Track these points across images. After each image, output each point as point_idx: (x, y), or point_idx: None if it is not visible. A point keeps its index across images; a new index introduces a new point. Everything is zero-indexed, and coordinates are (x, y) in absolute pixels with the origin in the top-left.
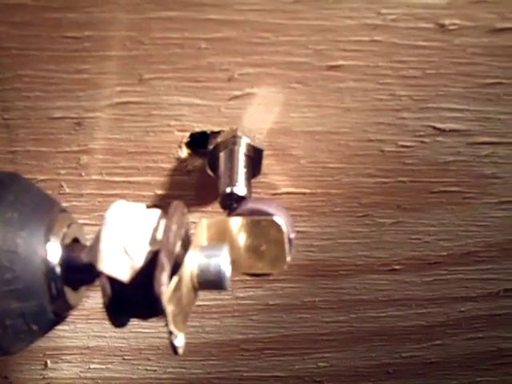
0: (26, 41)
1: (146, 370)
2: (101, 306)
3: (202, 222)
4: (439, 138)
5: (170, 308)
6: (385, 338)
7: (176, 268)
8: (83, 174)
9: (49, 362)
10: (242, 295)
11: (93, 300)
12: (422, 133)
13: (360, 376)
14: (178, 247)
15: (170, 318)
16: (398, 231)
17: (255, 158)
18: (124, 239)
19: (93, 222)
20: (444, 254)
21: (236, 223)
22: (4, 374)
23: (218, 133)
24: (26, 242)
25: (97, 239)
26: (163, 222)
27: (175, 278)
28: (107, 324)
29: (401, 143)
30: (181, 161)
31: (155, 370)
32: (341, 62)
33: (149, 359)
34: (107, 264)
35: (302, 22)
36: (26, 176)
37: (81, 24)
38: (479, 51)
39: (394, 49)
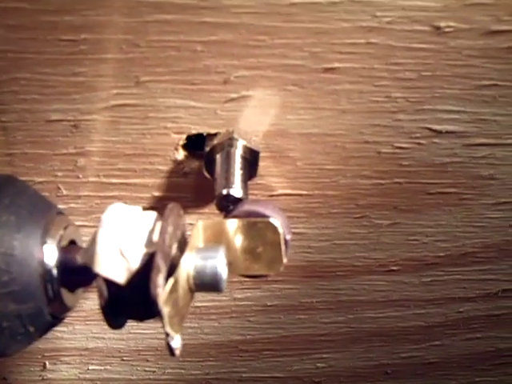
0: (23, 44)
1: (145, 370)
2: (99, 307)
3: (199, 224)
4: (435, 140)
5: (166, 310)
6: (383, 339)
7: (172, 270)
8: (80, 176)
9: (47, 363)
10: (239, 296)
11: (91, 301)
12: (418, 134)
13: (359, 376)
14: (174, 249)
15: (166, 319)
16: (395, 232)
17: (252, 159)
18: (120, 241)
19: (90, 224)
20: (442, 254)
21: (232, 225)
22: (3, 376)
23: (215, 135)
24: (22, 244)
25: (93, 241)
26: (159, 224)
27: (171, 280)
28: (106, 325)
29: (397, 145)
30: (177, 163)
31: (154, 371)
32: (336, 65)
33: (148, 360)
34: (103, 266)
35: (297, 25)
36: (23, 178)
37: (77, 27)
38: (474, 53)
39: (390, 51)
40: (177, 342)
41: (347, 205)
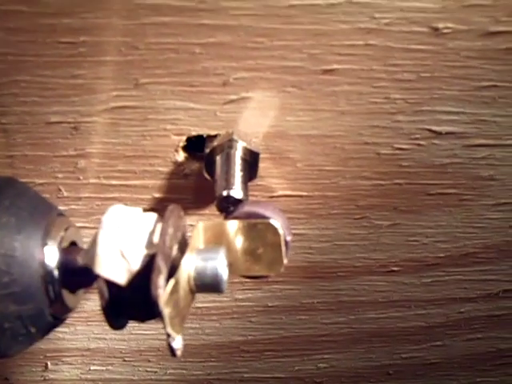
0: (22, 46)
1: (147, 371)
2: (100, 308)
3: (199, 225)
4: (435, 141)
5: (166, 311)
6: (384, 339)
7: (173, 271)
8: (81, 177)
9: (49, 363)
10: (241, 297)
11: (93, 302)
12: (417, 135)
13: (360, 377)
14: (174, 250)
15: (167, 320)
16: (395, 233)
17: (251, 161)
18: (121, 243)
19: (91, 226)
20: (442, 255)
21: (233, 226)
22: (4, 376)
23: (215, 136)
24: (23, 245)
25: (94, 242)
26: (160, 226)
27: (172, 281)
28: (107, 326)
29: (397, 146)
30: (178, 164)
31: (156, 372)
32: (335, 66)
33: (149, 361)
34: (104, 267)
35: (296, 27)
36: (23, 180)
37: (76, 29)
38: (473, 54)
39: (389, 52)
40: (178, 343)
41: (347, 206)
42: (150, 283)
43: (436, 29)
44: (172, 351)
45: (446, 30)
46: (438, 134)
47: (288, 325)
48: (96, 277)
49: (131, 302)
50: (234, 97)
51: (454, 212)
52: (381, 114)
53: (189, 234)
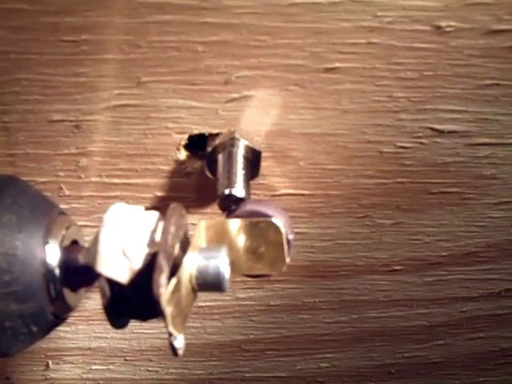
0: (24, 45)
1: (148, 370)
2: (101, 307)
3: (201, 224)
4: (437, 139)
5: (168, 309)
6: (386, 339)
7: (175, 270)
8: (82, 176)
9: (50, 362)
10: (242, 296)
11: (94, 301)
12: (420, 134)
13: (362, 376)
14: (176, 249)
15: (169, 319)
16: (397, 232)
17: (253, 159)
18: (122, 241)
19: (93, 224)
20: (444, 254)
21: (235, 225)
22: (6, 375)
23: (217, 135)
24: (24, 244)
25: (95, 241)
26: (161, 224)
27: (174, 280)
28: (108, 325)
29: (399, 144)
30: (179, 163)
31: (157, 371)
32: (338, 65)
33: (151, 360)
34: (106, 266)
35: (298, 25)
36: (25, 179)
37: (78, 28)
38: (476, 53)
39: (391, 51)
40: (180, 342)
41: (349, 204)
42: (151, 282)
43: (439, 27)
44: (174, 350)
45: (448, 29)
46: (441, 132)
47: (290, 324)
48: (97, 275)
49: (133, 301)
50: (236, 95)
51: (456, 211)
52: (383, 113)
53: (191, 232)
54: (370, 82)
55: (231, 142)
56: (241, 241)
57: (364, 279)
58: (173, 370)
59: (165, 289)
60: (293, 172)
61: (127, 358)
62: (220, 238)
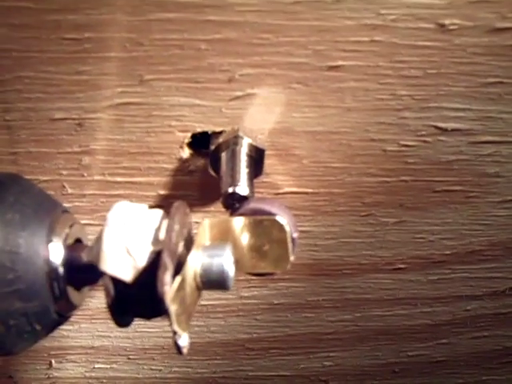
0: (26, 43)
1: (151, 369)
2: (105, 305)
3: (205, 222)
4: (441, 138)
5: (173, 308)
6: (390, 337)
7: (179, 268)
8: (85, 174)
9: (53, 361)
10: (246, 294)
11: (97, 300)
12: (423, 132)
13: (366, 375)
14: (180, 247)
15: (173, 317)
16: (401, 230)
17: (257, 158)
18: (126, 239)
19: (96, 223)
20: (448, 252)
21: (238, 223)
22: (9, 374)
23: (220, 133)
24: (27, 242)
25: (99, 239)
26: (165, 222)
27: (178, 278)
28: (112, 324)
29: (403, 143)
30: (183, 161)
31: (160, 370)
32: (341, 63)
33: (154, 359)
34: (110, 264)
35: (301, 23)
36: (27, 177)
37: (80, 26)
38: (479, 51)
39: (395, 49)
40: (184, 340)
41: (353, 203)
42: (156, 280)
43: (442, 25)
44: (178, 349)
45: (452, 27)
46: (444, 130)
47: (293, 322)
48: (101, 274)
49: (137, 299)
50: (239, 93)
51: (459, 209)
52: (387, 111)
53: (194, 230)
54: (373, 80)
55: (235, 140)
56: (245, 239)
57: (368, 278)
58: (176, 369)
59: (169, 287)
60: (296, 170)
61: (130, 356)
62: (224, 236)
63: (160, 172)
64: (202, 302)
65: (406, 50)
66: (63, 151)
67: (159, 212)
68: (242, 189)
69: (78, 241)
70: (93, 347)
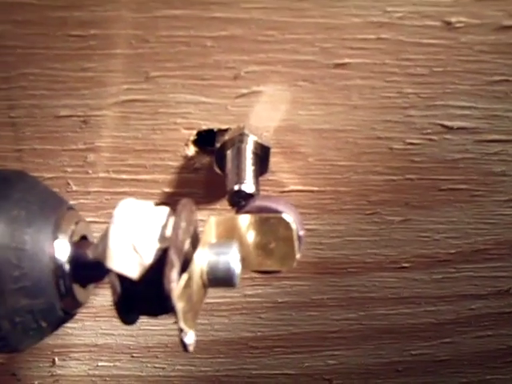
0: (31, 39)
1: (155, 367)
2: (109, 303)
3: (211, 220)
4: (447, 136)
5: (180, 305)
6: (394, 336)
7: (185, 265)
8: (90, 171)
9: (57, 359)
10: (250, 293)
11: (101, 298)
12: (429, 130)
13: (369, 374)
14: (186, 244)
15: (180, 314)
16: (406, 229)
17: (262, 155)
18: (133, 236)
19: (100, 220)
20: (453, 251)
21: (245, 221)
22: (12, 371)
23: (225, 130)
24: (33, 239)
25: (105, 236)
26: (172, 220)
27: (185, 275)
28: (115, 322)
29: (409, 141)
30: (188, 159)
31: (164, 368)
32: (347, 60)
33: (157, 357)
34: (116, 261)
35: (308, 20)
36: (32, 174)
37: (86, 22)
38: (486, 49)
39: (401, 46)
40: (190, 338)
41: (359, 201)
42: (163, 277)
43: (449, 23)
44: (184, 346)
45: (458, 24)
46: (450, 129)
47: (297, 321)
48: (107, 271)
49: (144, 297)
50: (245, 90)
51: (465, 208)
52: (393, 109)
53: (200, 228)
54: (379, 78)
55: (240, 137)
56: (251, 237)
57: (372, 276)
58: (179, 367)
59: (176, 284)
60: (302, 168)
61: (134, 354)
62: (230, 233)
63: (165, 169)
64: (206, 300)
65: (412, 48)
66: (68, 148)
67: (165, 209)
68: (248, 186)
69: (84, 238)
70: (96, 345)
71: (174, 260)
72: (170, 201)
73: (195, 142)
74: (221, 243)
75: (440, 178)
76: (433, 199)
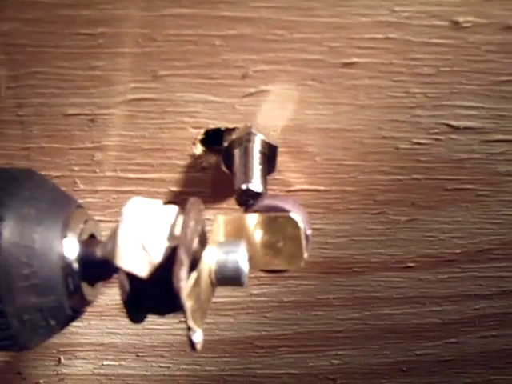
0: (40, 38)
1: (160, 366)
2: (115, 302)
3: (219, 219)
4: (453, 136)
5: (189, 303)
6: (399, 336)
7: (194, 264)
8: (97, 170)
9: (62, 358)
10: (256, 292)
11: (107, 297)
12: (436, 130)
13: (374, 374)
14: (195, 243)
15: (189, 313)
16: (412, 229)
17: (270, 154)
18: (142, 235)
19: (107, 219)
20: (458, 251)
21: (252, 220)
22: (17, 370)
23: (233, 130)
24: (42, 237)
25: (114, 235)
26: (181, 218)
27: (194, 274)
28: (121, 321)
29: (415, 140)
30: (195, 158)
31: (169, 367)
32: (355, 60)
33: (162, 356)
34: (125, 260)
35: (316, 19)
36: (40, 172)
37: (94, 21)
38: (493, 48)
39: (408, 46)
40: (198, 337)
41: (365, 201)
42: (172, 276)
43: (456, 22)
44: (192, 345)
45: (466, 24)
46: (457, 128)
47: (303, 320)
48: (115, 269)
49: (152, 295)
50: (253, 90)
51: (471, 208)
52: (400, 108)
53: (208, 227)
54: (386, 78)
55: (248, 136)
56: (258, 236)
57: (378, 276)
58: (184, 366)
59: (185, 282)
60: (309, 167)
61: (139, 353)
62: (238, 232)
63: (172, 168)
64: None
65: (419, 48)
66: (76, 147)
67: (174, 208)
68: (256, 185)
69: (92, 236)
70: (102, 344)
71: (183, 259)
72: (177, 200)
73: (203, 141)
74: (229, 242)
75: (446, 177)
76: (439, 199)
